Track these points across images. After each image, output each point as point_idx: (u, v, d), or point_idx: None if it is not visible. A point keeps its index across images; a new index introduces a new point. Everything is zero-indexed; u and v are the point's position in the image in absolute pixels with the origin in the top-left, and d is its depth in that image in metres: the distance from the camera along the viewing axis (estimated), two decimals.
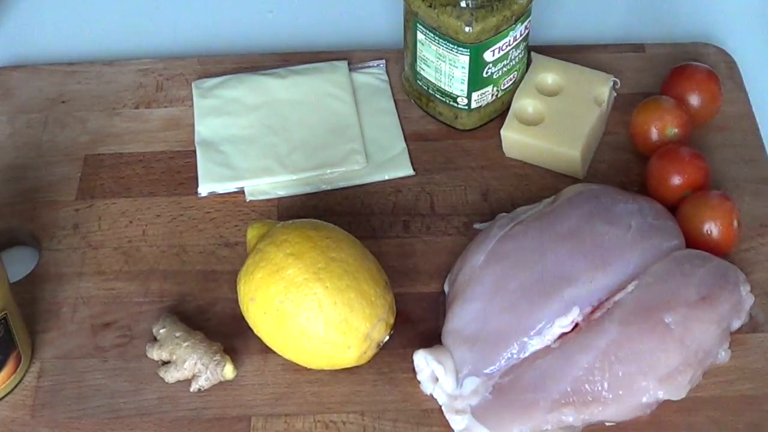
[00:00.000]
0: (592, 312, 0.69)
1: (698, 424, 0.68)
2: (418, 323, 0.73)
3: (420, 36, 0.81)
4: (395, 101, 0.87)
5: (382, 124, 0.85)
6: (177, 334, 0.70)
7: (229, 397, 0.70)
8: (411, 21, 0.81)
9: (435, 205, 0.80)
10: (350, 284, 0.67)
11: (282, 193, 0.81)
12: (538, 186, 0.81)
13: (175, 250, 0.78)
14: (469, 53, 0.79)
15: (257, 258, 0.69)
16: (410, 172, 0.82)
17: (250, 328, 0.70)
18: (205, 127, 0.85)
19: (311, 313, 0.67)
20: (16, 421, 0.69)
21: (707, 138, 0.83)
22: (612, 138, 0.84)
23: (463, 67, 0.80)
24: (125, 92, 0.88)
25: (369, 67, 0.90)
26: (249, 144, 0.83)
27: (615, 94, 0.84)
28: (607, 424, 0.67)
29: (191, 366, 0.69)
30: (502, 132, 0.82)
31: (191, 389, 0.69)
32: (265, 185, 0.81)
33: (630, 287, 0.69)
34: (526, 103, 0.83)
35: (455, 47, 0.79)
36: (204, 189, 0.81)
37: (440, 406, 0.69)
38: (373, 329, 0.68)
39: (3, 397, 0.70)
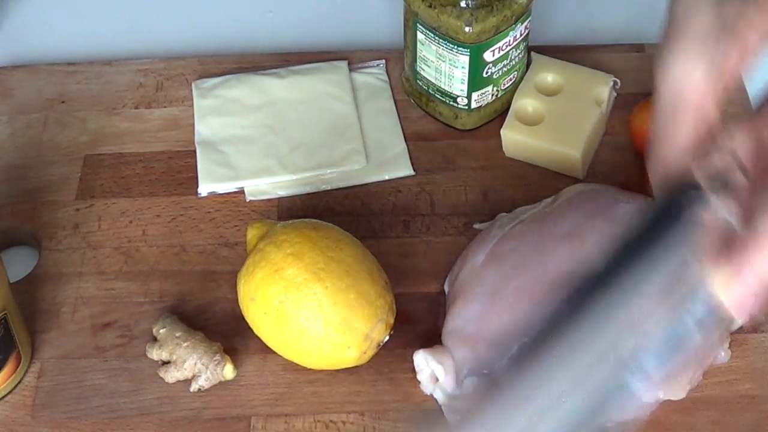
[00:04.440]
0: None
1: (698, 424, 0.68)
2: (418, 323, 0.73)
3: (420, 36, 0.81)
4: (395, 101, 0.87)
5: (382, 124, 0.85)
6: (177, 334, 0.70)
7: (229, 397, 0.70)
8: (411, 21, 0.81)
9: (435, 205, 0.80)
10: (350, 284, 0.67)
11: (282, 193, 0.81)
12: (538, 186, 0.81)
13: (175, 250, 0.78)
14: (469, 53, 0.79)
15: (257, 258, 0.69)
16: (410, 172, 0.82)
17: (250, 328, 0.70)
18: (205, 127, 0.85)
19: (311, 313, 0.67)
20: (16, 421, 0.69)
21: None
22: (612, 138, 0.84)
23: (463, 67, 0.80)
24: (125, 92, 0.88)
25: (369, 67, 0.90)
26: (249, 144, 0.83)
27: (615, 94, 0.84)
28: (607, 424, 0.67)
29: (191, 366, 0.69)
30: (502, 132, 0.82)
31: (191, 389, 0.69)
32: (265, 185, 0.81)
33: None
34: (526, 103, 0.83)
35: (455, 47, 0.79)
36: (204, 189, 0.81)
37: (440, 406, 0.69)
38: (373, 329, 0.68)
39: (3, 397, 0.70)
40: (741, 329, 0.72)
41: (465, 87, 0.81)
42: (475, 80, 0.81)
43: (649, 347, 0.45)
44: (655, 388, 0.46)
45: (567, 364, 0.45)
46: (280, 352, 0.70)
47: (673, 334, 0.45)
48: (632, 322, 0.45)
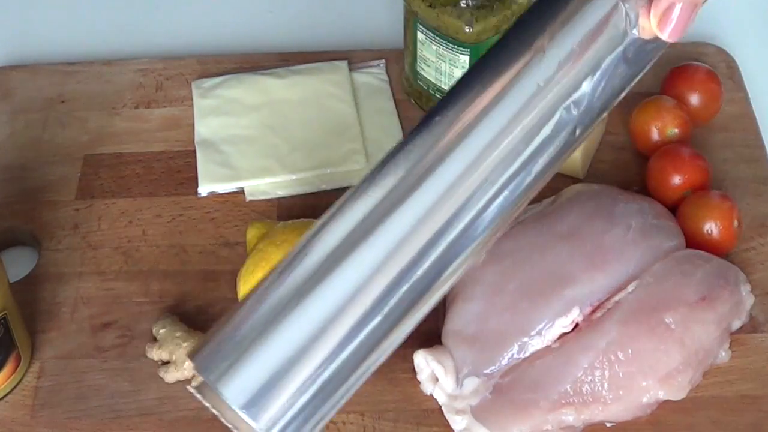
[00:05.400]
0: (593, 312, 0.69)
1: (698, 424, 0.68)
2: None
3: (420, 36, 0.81)
4: (395, 101, 0.87)
5: (382, 124, 0.85)
6: (177, 334, 0.70)
7: None
8: (411, 21, 0.81)
9: None
10: None
11: (282, 193, 0.81)
12: None
13: (175, 250, 0.78)
14: (469, 53, 0.79)
15: (257, 258, 0.69)
16: None
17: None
18: (205, 127, 0.85)
19: None
20: (16, 421, 0.69)
21: (707, 138, 0.83)
22: (612, 138, 0.84)
23: (463, 67, 0.80)
24: (125, 92, 0.88)
25: (369, 67, 0.90)
26: (249, 144, 0.83)
27: None
28: (608, 424, 0.68)
29: (191, 366, 0.69)
30: None
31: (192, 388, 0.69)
32: (265, 185, 0.81)
33: (630, 287, 0.69)
34: None
35: (455, 47, 0.79)
36: (204, 189, 0.81)
37: (440, 406, 0.69)
38: None
39: (3, 397, 0.70)
40: (741, 329, 0.72)
41: None
42: None
43: (583, 84, 0.50)
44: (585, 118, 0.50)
45: (507, 95, 0.49)
46: None
47: (605, 70, 0.50)
48: (565, 61, 0.49)
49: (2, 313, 0.67)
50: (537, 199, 0.77)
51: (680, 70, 0.84)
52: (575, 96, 0.49)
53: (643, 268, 0.70)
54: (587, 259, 0.70)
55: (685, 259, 0.71)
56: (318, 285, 0.47)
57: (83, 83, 0.89)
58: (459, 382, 0.68)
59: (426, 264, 0.48)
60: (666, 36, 0.50)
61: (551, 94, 0.49)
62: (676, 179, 0.77)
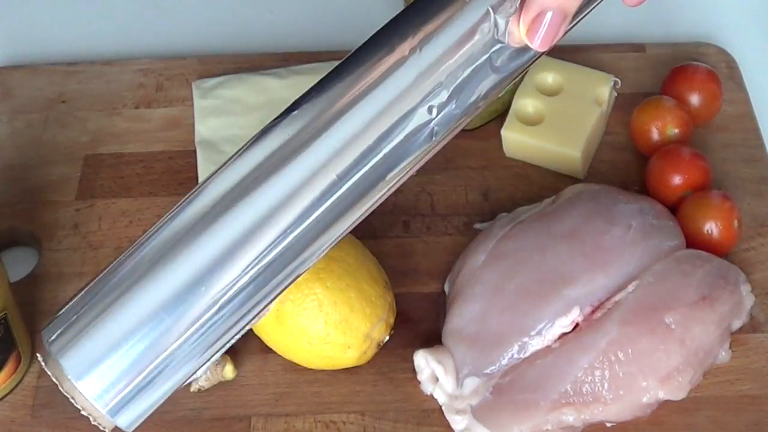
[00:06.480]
0: (593, 312, 0.69)
1: (698, 424, 0.68)
2: (418, 323, 0.73)
3: None
4: None
5: None
6: None
7: (229, 397, 0.70)
8: None
9: (435, 205, 0.80)
10: (350, 284, 0.67)
11: None
12: (538, 186, 0.81)
13: None
14: None
15: None
16: None
17: (250, 328, 0.70)
18: (205, 127, 0.85)
19: (311, 313, 0.67)
20: (16, 421, 0.69)
21: (708, 138, 0.83)
22: (612, 138, 0.84)
23: None
24: (125, 92, 0.88)
25: None
26: None
27: (615, 94, 0.84)
28: (608, 424, 0.68)
29: None
30: (503, 132, 0.81)
31: (191, 389, 0.69)
32: None
33: (630, 287, 0.69)
34: (526, 103, 0.83)
35: None
36: None
37: (440, 406, 0.69)
38: (373, 329, 0.68)
39: (3, 397, 0.70)
40: (741, 329, 0.72)
41: None
42: None
43: (443, 92, 0.49)
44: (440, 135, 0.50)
45: (367, 97, 0.49)
46: (280, 352, 0.70)
47: (468, 77, 0.49)
48: (427, 65, 0.48)
49: (2, 313, 0.67)
50: (537, 200, 0.78)
51: (680, 70, 0.84)
52: (435, 101, 0.48)
53: (643, 268, 0.70)
54: (587, 259, 0.70)
55: (685, 259, 0.71)
56: (159, 265, 0.48)
57: (83, 83, 0.89)
58: (459, 382, 0.68)
59: (246, 279, 0.50)
60: (535, 45, 0.49)
61: (411, 97, 0.48)
62: (676, 179, 0.77)
